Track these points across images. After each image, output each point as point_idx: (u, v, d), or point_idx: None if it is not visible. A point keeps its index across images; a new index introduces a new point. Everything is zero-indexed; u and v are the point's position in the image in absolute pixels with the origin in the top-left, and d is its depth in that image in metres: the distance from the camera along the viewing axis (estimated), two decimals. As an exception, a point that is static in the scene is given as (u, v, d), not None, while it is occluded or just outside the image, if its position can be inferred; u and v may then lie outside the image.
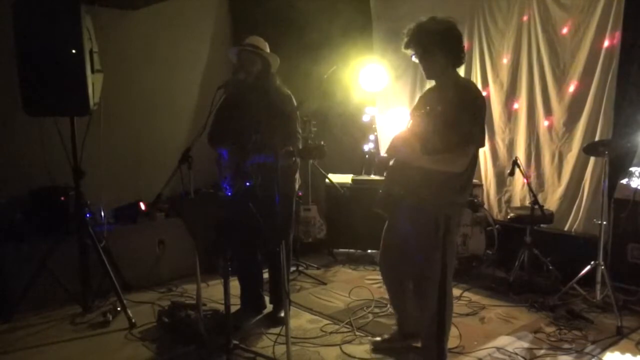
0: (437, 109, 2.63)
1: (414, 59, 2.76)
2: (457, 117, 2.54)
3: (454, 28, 2.67)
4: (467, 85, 2.72)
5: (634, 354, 3.15)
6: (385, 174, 2.99)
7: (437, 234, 2.57)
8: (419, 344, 3.11)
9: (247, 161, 3.30)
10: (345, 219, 5.08)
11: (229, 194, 3.30)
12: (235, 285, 3.59)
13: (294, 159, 3.31)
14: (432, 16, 2.68)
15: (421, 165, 2.62)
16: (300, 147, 3.46)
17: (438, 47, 2.64)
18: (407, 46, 2.71)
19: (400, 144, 2.75)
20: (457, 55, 2.69)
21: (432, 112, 2.66)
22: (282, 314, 3.56)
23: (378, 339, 3.27)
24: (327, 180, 4.98)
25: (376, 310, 3.81)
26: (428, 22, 2.66)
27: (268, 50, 3.54)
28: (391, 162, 2.88)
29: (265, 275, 3.87)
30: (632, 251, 3.88)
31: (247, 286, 3.80)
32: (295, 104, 3.53)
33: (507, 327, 3.52)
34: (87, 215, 3.92)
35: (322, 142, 3.00)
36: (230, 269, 2.86)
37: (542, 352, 3.15)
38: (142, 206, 4.57)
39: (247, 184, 3.28)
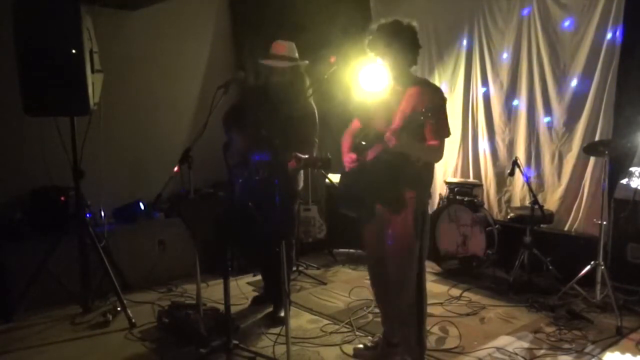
0: (418, 105, 2.69)
1: (378, 61, 2.87)
2: (444, 113, 2.72)
3: (414, 31, 2.80)
4: (431, 84, 2.89)
5: (634, 354, 3.15)
6: (346, 173, 3.03)
7: (417, 228, 2.73)
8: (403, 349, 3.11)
9: (252, 156, 3.33)
10: (345, 219, 5.04)
11: (239, 181, 3.34)
12: (235, 285, 3.59)
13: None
14: (396, 19, 2.79)
15: (416, 153, 2.73)
16: (315, 154, 3.52)
17: (410, 47, 2.79)
18: (369, 46, 2.84)
19: (397, 135, 2.75)
20: (414, 56, 2.84)
21: (413, 108, 2.71)
22: (282, 314, 3.57)
23: (360, 346, 3.22)
24: (327, 180, 4.98)
25: (376, 310, 3.79)
26: (390, 24, 2.78)
27: (296, 54, 3.55)
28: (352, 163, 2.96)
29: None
30: (632, 251, 3.88)
31: (268, 278, 3.91)
32: (315, 112, 3.55)
33: (507, 327, 3.52)
34: (87, 215, 3.92)
35: (329, 154, 3.06)
36: (230, 269, 2.86)
37: (542, 352, 3.15)
38: (142, 206, 4.58)
39: (256, 177, 3.32)
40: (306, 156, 3.12)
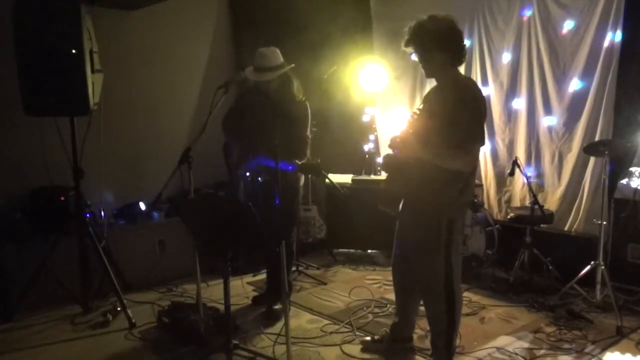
0: (438, 108, 2.62)
1: (414, 58, 2.78)
2: (460, 116, 2.53)
3: (455, 26, 2.65)
4: (468, 84, 2.71)
5: (634, 354, 3.15)
6: (386, 172, 3.00)
7: (439, 236, 2.64)
8: (409, 345, 3.17)
9: (253, 160, 3.37)
10: (345, 219, 5.08)
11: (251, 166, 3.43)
12: (235, 285, 3.59)
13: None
14: (432, 14, 2.65)
15: (429, 159, 2.58)
16: (309, 152, 3.59)
17: (438, 46, 2.61)
18: (407, 44, 2.70)
19: (406, 139, 2.71)
20: (458, 54, 2.67)
21: (432, 111, 2.66)
22: (275, 307, 3.59)
23: (368, 339, 3.27)
24: (327, 180, 4.97)
25: (376, 310, 3.81)
26: (428, 21, 2.64)
27: (281, 58, 3.55)
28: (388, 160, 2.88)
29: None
30: (632, 251, 3.88)
31: (271, 273, 3.92)
32: (308, 110, 3.58)
33: (507, 327, 3.52)
34: (87, 215, 3.92)
35: (319, 160, 3.12)
36: (230, 269, 2.87)
37: (542, 352, 3.15)
38: (142, 206, 4.58)
39: (259, 179, 3.34)
40: (297, 162, 3.26)
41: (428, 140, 2.59)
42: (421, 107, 2.78)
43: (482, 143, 2.63)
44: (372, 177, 5.18)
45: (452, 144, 2.53)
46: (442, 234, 2.63)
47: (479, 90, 2.69)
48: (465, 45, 2.69)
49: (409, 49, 2.72)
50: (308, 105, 3.61)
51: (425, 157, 2.60)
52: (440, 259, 2.66)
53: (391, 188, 2.86)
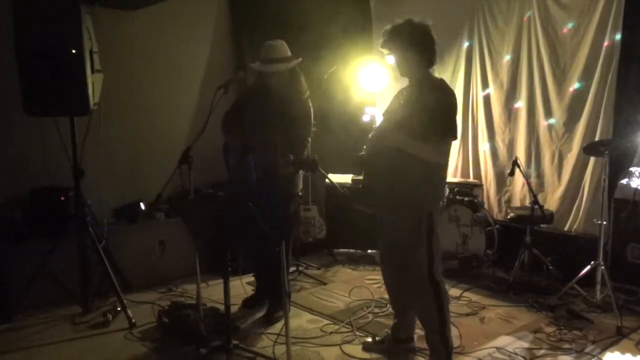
0: (416, 104, 2.75)
1: (389, 61, 2.94)
2: (438, 112, 2.68)
3: (429, 31, 2.82)
4: (442, 84, 2.88)
5: (634, 354, 3.15)
6: (364, 171, 3.06)
7: (420, 228, 2.76)
8: (410, 346, 3.19)
9: (249, 158, 3.35)
10: (345, 219, 5.08)
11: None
12: (235, 285, 3.59)
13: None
14: (408, 19, 2.81)
15: (408, 150, 2.71)
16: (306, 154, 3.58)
17: (415, 48, 2.78)
18: (383, 46, 2.87)
19: (384, 134, 2.87)
20: (431, 56, 2.83)
21: (409, 107, 2.79)
22: (277, 315, 3.58)
23: (369, 340, 3.28)
24: (327, 180, 4.97)
25: (376, 310, 3.81)
26: (404, 24, 2.80)
27: (289, 51, 3.53)
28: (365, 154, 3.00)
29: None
30: (632, 251, 3.88)
31: (261, 279, 3.90)
32: (310, 109, 3.55)
33: (507, 327, 3.52)
34: (87, 215, 3.91)
35: (316, 156, 3.11)
36: (230, 269, 2.87)
37: (542, 352, 3.16)
38: (142, 206, 4.58)
39: (252, 178, 3.32)
40: (292, 158, 3.22)
41: (407, 133, 2.72)
42: (401, 102, 2.91)
43: (455, 138, 2.83)
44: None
45: (430, 138, 2.68)
46: (422, 226, 2.76)
47: (452, 90, 2.91)
48: (436, 49, 2.85)
49: (385, 51, 2.89)
50: (310, 104, 3.59)
51: (404, 147, 2.72)
52: (422, 251, 2.78)
53: (370, 185, 2.92)
